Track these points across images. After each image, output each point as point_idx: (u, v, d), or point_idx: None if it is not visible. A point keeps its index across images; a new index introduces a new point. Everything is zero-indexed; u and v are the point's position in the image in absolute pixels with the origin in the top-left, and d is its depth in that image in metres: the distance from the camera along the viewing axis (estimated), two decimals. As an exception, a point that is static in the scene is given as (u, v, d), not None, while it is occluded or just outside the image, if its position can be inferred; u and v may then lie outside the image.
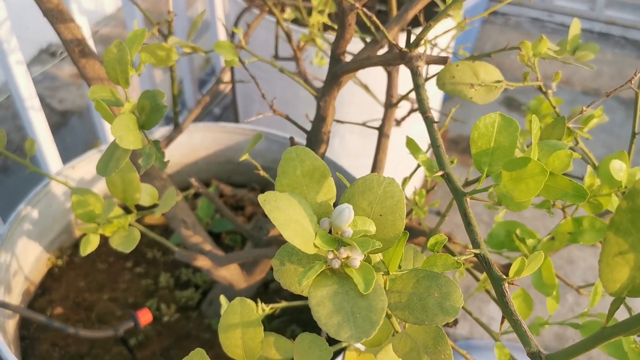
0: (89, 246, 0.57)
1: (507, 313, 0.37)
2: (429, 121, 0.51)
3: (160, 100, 0.51)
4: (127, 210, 0.67)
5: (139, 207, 0.68)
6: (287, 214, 0.31)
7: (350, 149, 1.44)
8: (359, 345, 0.56)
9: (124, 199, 0.62)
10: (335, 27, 0.69)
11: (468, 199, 0.45)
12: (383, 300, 0.31)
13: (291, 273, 0.35)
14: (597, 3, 2.36)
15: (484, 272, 0.69)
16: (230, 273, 0.87)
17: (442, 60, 0.57)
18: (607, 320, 0.30)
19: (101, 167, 0.51)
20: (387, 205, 0.35)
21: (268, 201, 0.30)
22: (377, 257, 0.39)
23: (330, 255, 0.33)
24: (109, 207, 0.57)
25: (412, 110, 0.91)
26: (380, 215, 0.35)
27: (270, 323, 0.93)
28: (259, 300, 0.60)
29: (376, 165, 0.74)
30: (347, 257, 0.33)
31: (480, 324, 0.63)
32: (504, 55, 2.31)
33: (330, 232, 0.34)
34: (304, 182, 0.34)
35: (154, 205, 0.69)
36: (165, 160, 0.53)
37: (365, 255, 0.35)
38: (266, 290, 0.97)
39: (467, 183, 0.63)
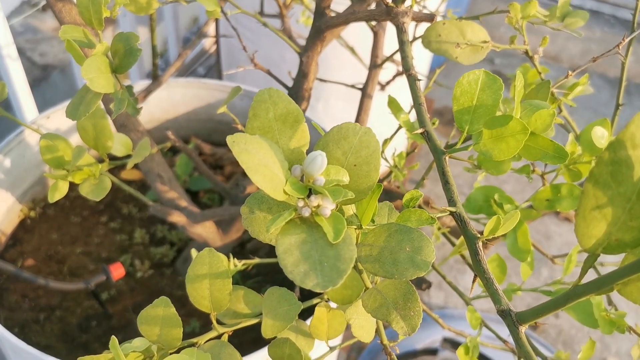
0: (57, 193, 0.56)
1: (480, 271, 0.37)
2: (411, 78, 0.50)
3: (135, 43, 0.49)
4: (101, 161, 0.65)
5: (113, 158, 0.66)
6: (257, 158, 0.29)
7: (335, 114, 1.43)
8: (332, 304, 0.55)
9: (96, 147, 0.60)
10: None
11: (447, 158, 0.44)
12: (352, 250, 0.30)
13: (260, 221, 0.34)
14: (590, -21, 2.35)
15: (460, 237, 0.69)
16: (206, 231, 0.86)
17: (429, 18, 0.55)
18: (580, 278, 0.30)
19: (71, 110, 0.49)
20: (362, 155, 0.33)
21: (237, 143, 0.29)
22: (350, 211, 0.38)
23: (301, 203, 0.32)
24: (78, 154, 0.55)
25: (398, 74, 0.89)
26: (355, 165, 0.34)
27: (245, 282, 0.92)
28: (231, 256, 0.59)
29: (357, 126, 0.73)
30: (318, 206, 0.32)
31: (453, 287, 0.63)
32: (493, 27, 2.29)
33: (302, 180, 0.33)
34: (276, 126, 0.33)
35: (128, 156, 0.67)
36: (139, 106, 0.51)
37: (337, 206, 0.34)
38: (242, 250, 0.97)
39: (448, 146, 0.62)
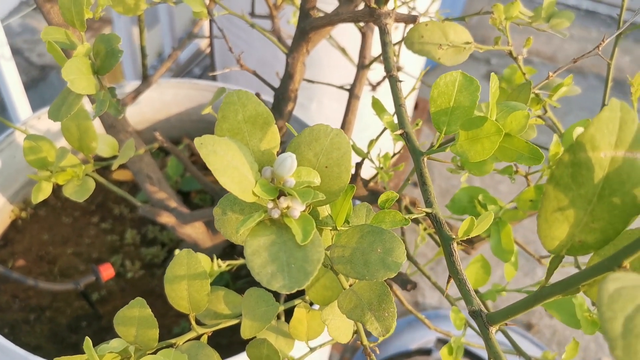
0: (41, 194, 0.56)
1: (453, 272, 0.37)
2: (392, 80, 0.50)
3: (116, 45, 0.49)
4: (87, 162, 0.66)
5: (99, 159, 0.66)
6: (225, 160, 0.30)
7: (327, 114, 1.43)
8: (315, 307, 0.55)
9: (80, 148, 0.60)
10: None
11: (425, 159, 0.44)
12: (320, 252, 0.30)
13: (232, 222, 0.34)
14: (587, -20, 2.35)
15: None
16: (196, 231, 0.86)
17: (412, 19, 0.55)
18: (546, 280, 0.30)
19: (53, 112, 0.49)
20: (333, 157, 0.33)
21: (205, 145, 0.29)
22: (326, 212, 0.38)
23: (270, 205, 0.32)
24: (61, 155, 0.55)
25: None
26: (326, 167, 0.34)
27: (235, 283, 0.92)
28: (214, 257, 0.59)
29: (345, 127, 0.73)
30: (288, 207, 0.32)
31: (438, 288, 0.63)
32: (489, 28, 2.29)
33: (272, 181, 0.33)
34: (246, 128, 0.33)
35: (115, 157, 0.67)
36: (121, 107, 0.51)
37: (309, 208, 0.34)
38: (232, 251, 0.97)
39: (432, 147, 0.62)
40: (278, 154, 0.34)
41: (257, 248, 0.31)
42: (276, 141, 0.34)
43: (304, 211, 0.33)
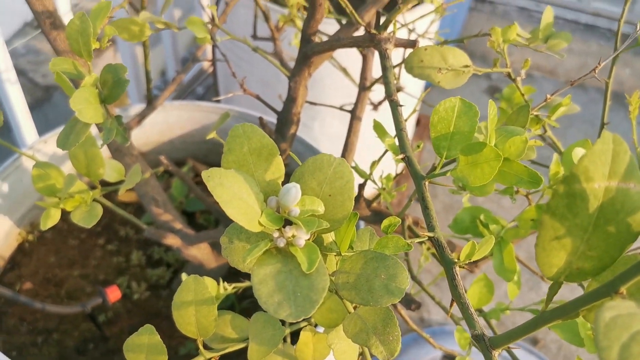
0: (49, 220, 0.57)
1: (456, 296, 0.38)
2: (393, 104, 0.51)
3: (122, 75, 0.50)
4: (94, 187, 0.67)
5: (106, 184, 0.67)
6: (232, 191, 0.31)
7: (330, 133, 1.44)
8: (319, 329, 0.56)
9: (88, 174, 0.61)
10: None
11: (427, 183, 0.45)
12: (325, 280, 0.31)
13: (239, 251, 0.35)
14: (585, -6, 2.37)
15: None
16: (201, 252, 0.87)
17: (411, 44, 0.56)
18: (546, 305, 0.30)
19: (61, 140, 0.50)
20: (336, 185, 0.34)
21: (212, 177, 0.30)
22: (330, 238, 0.39)
23: (276, 234, 0.33)
24: (70, 182, 0.56)
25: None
26: (330, 195, 0.35)
27: (241, 304, 0.93)
28: (220, 280, 0.59)
29: (347, 148, 0.74)
30: (293, 236, 0.33)
31: (442, 307, 0.63)
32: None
33: (278, 210, 0.34)
34: (252, 160, 0.34)
35: (122, 182, 0.68)
36: (128, 135, 0.52)
37: (313, 235, 0.35)
38: (238, 271, 0.97)
39: (434, 169, 0.63)
40: (283, 183, 0.35)
41: (264, 277, 0.31)
42: (281, 172, 0.35)
43: (308, 239, 0.33)
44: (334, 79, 1.27)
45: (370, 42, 0.56)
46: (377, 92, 1.14)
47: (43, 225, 0.57)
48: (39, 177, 0.58)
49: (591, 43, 2.36)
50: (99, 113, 0.50)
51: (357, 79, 1.02)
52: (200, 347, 0.45)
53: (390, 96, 0.52)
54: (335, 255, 0.40)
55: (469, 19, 2.38)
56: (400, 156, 0.47)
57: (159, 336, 0.41)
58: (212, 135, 0.65)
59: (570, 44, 0.68)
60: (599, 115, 2.05)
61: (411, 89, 1.41)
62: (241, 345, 0.48)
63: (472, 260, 0.40)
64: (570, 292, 1.36)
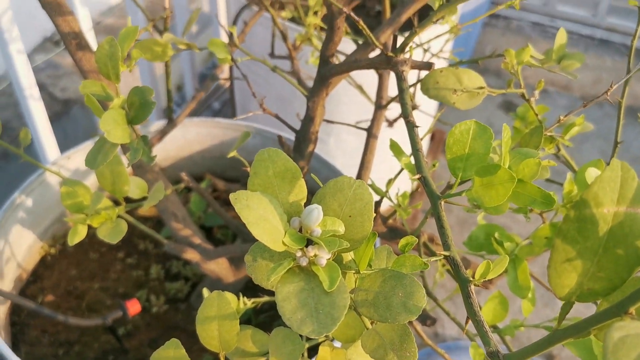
0: (77, 236, 0.59)
1: (471, 313, 0.39)
2: (410, 125, 0.52)
3: (149, 97, 0.52)
4: (117, 203, 0.69)
5: (129, 200, 0.70)
6: (257, 213, 0.32)
7: (345, 148, 1.46)
8: (336, 343, 0.57)
9: (113, 191, 0.63)
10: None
11: (442, 203, 0.46)
12: (345, 298, 0.32)
13: (263, 269, 0.37)
14: (599, 9, 2.37)
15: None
16: (219, 267, 0.88)
17: (427, 66, 0.58)
18: (559, 323, 0.32)
19: (90, 160, 0.52)
20: (356, 207, 0.36)
21: (239, 200, 0.32)
22: (349, 256, 0.41)
23: (299, 253, 0.34)
24: (97, 199, 0.58)
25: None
26: (350, 216, 0.36)
27: (257, 317, 0.94)
28: (240, 294, 0.61)
29: (363, 166, 0.76)
30: (315, 256, 0.34)
31: (457, 323, 0.64)
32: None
33: (300, 230, 0.35)
34: (276, 183, 0.36)
35: (144, 198, 0.70)
36: (153, 155, 0.54)
37: (333, 254, 0.37)
38: (255, 285, 0.99)
39: (449, 186, 0.64)
40: (305, 205, 0.36)
41: (287, 294, 0.33)
42: (303, 193, 0.36)
43: (329, 258, 0.35)
44: (349, 95, 1.29)
45: (387, 65, 0.58)
46: (393, 109, 1.16)
47: (70, 241, 0.59)
48: (67, 195, 0.60)
49: (605, 58, 2.36)
50: (126, 134, 0.52)
51: (372, 96, 1.04)
52: (223, 360, 0.46)
53: (406, 117, 0.53)
54: (354, 273, 0.41)
55: (483, 34, 2.40)
56: (417, 176, 0.48)
57: (184, 350, 0.43)
58: (233, 154, 0.67)
59: (585, 61, 0.69)
60: (613, 130, 2.05)
61: (425, 107, 1.43)
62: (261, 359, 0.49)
63: (486, 280, 0.41)
64: (586, 307, 1.36)
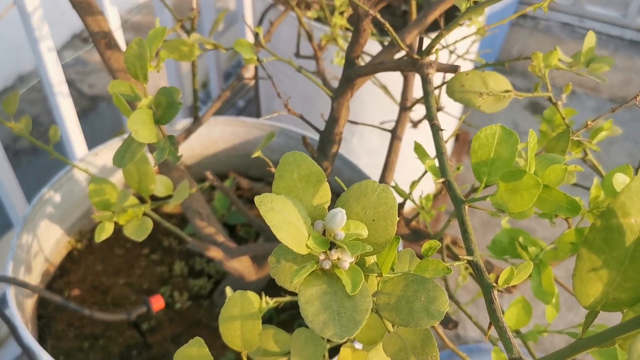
0: (104, 233, 0.60)
1: (494, 319, 0.39)
2: (435, 128, 0.52)
3: (176, 97, 0.53)
4: (143, 200, 0.70)
5: (155, 198, 0.70)
6: (282, 216, 0.32)
7: (369, 147, 1.46)
8: (356, 344, 0.57)
9: (139, 189, 0.64)
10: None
11: (466, 207, 0.46)
12: (368, 302, 0.33)
13: (286, 271, 0.37)
14: (629, 10, 2.33)
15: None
16: (242, 265, 0.89)
17: (453, 69, 0.58)
18: (583, 332, 0.31)
19: (117, 159, 0.53)
20: (380, 211, 0.36)
21: (264, 202, 0.32)
22: (372, 259, 0.41)
23: (322, 256, 0.35)
24: (124, 197, 0.59)
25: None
26: (373, 220, 0.36)
27: (279, 316, 0.95)
28: (263, 294, 0.61)
29: (387, 167, 0.76)
30: (338, 259, 0.35)
31: (479, 327, 0.64)
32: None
33: (323, 234, 0.36)
34: (300, 186, 0.36)
35: (169, 196, 0.71)
36: (179, 154, 0.55)
37: (356, 258, 0.37)
38: (276, 284, 0.99)
39: (473, 190, 0.64)
40: (329, 208, 0.37)
41: (310, 297, 0.33)
42: (327, 197, 0.36)
43: (352, 262, 0.35)
44: (373, 95, 1.29)
45: (413, 67, 0.58)
46: (417, 110, 1.15)
47: (97, 238, 0.60)
48: (95, 192, 0.61)
49: (635, 59, 2.32)
50: (154, 133, 0.52)
51: (396, 96, 1.04)
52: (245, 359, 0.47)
53: (431, 120, 0.53)
54: (376, 276, 0.41)
55: (510, 34, 2.38)
56: (441, 180, 0.48)
57: (207, 349, 0.43)
58: (258, 154, 0.68)
59: (614, 64, 0.68)
60: (642, 133, 2.02)
61: (450, 108, 1.42)
62: (283, 359, 0.50)
63: (509, 285, 0.41)
64: (612, 314, 1.35)
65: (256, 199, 0.32)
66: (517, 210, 0.41)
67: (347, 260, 0.34)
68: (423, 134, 0.82)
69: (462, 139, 1.84)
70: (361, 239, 0.35)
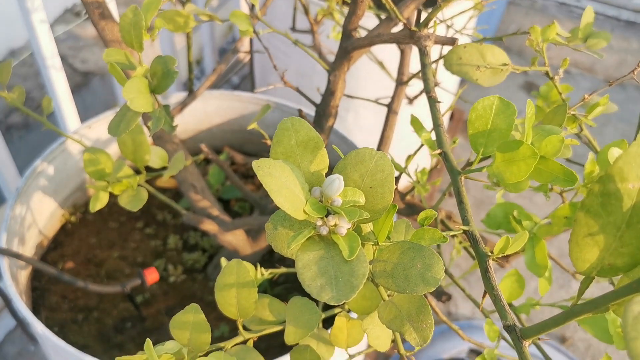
0: (98, 203, 0.60)
1: (489, 287, 0.39)
2: (432, 100, 0.52)
3: (172, 66, 0.52)
4: (138, 172, 0.69)
5: (150, 169, 0.70)
6: (280, 181, 0.32)
7: (363, 124, 1.45)
8: (352, 314, 0.58)
9: (134, 160, 0.64)
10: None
11: (463, 178, 0.46)
12: (365, 267, 0.33)
13: (283, 237, 0.37)
14: (627, -10, 2.32)
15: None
16: (236, 238, 0.89)
17: (451, 41, 0.57)
18: (577, 298, 0.32)
19: (112, 128, 0.53)
20: (377, 178, 0.36)
21: (261, 167, 0.32)
22: (368, 228, 0.41)
23: (319, 222, 0.35)
24: (118, 167, 0.59)
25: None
26: (371, 187, 0.36)
27: (273, 289, 0.95)
28: (258, 265, 0.62)
29: (383, 142, 0.76)
30: (335, 225, 0.35)
31: (472, 300, 0.65)
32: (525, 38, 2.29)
33: (321, 200, 0.36)
34: (298, 152, 0.36)
35: (164, 168, 0.71)
36: (174, 124, 0.54)
37: (353, 225, 0.37)
38: (271, 258, 1.00)
39: (468, 164, 0.64)
40: (326, 175, 0.36)
41: (307, 262, 0.33)
42: (325, 163, 0.36)
43: (349, 228, 0.35)
44: (369, 71, 1.29)
45: (410, 39, 0.57)
46: (413, 85, 1.15)
47: (92, 208, 0.59)
48: (89, 162, 0.60)
49: (632, 40, 2.32)
50: (149, 102, 0.52)
51: (392, 72, 1.04)
52: (240, 327, 0.47)
53: (428, 92, 0.53)
54: (372, 245, 0.41)
55: (507, 13, 2.36)
56: (437, 152, 0.48)
57: (203, 315, 0.43)
58: (253, 125, 0.68)
59: (610, 40, 0.68)
60: (636, 114, 2.02)
61: (446, 84, 1.41)
62: (278, 328, 0.50)
63: (504, 255, 0.41)
64: (601, 290, 1.36)
65: (254, 163, 0.32)
66: (513, 181, 0.41)
67: (345, 226, 0.34)
68: (418, 112, 0.82)
69: (457, 117, 1.84)
70: (358, 205, 0.36)
